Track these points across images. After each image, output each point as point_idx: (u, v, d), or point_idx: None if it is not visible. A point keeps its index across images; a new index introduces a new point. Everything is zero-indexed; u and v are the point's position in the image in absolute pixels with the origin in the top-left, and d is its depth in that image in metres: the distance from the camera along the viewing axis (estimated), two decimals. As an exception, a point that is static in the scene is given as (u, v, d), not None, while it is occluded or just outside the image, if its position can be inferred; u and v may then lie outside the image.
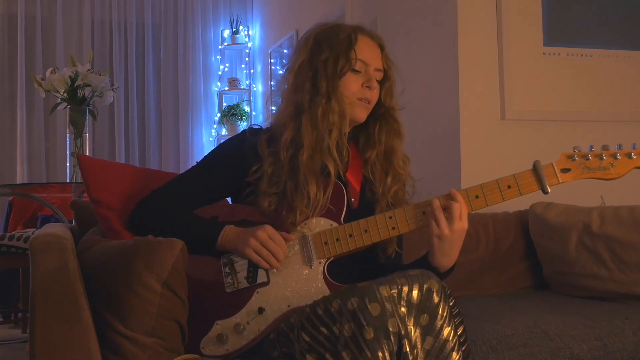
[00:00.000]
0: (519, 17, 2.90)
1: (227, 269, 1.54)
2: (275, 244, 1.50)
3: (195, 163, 1.69)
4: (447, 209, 1.51)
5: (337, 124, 1.58)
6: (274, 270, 1.52)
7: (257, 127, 1.68)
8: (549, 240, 2.25)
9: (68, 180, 3.48)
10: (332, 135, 1.58)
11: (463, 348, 1.32)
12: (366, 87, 1.62)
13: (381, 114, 1.68)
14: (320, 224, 1.55)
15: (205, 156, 1.70)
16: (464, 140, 2.86)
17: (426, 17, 3.17)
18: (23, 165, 5.43)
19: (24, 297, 3.74)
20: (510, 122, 2.89)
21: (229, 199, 1.72)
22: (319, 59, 1.60)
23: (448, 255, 1.54)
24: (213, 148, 1.71)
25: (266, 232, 1.51)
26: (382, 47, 1.67)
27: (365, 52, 1.63)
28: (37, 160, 5.51)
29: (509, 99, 2.87)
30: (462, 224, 1.50)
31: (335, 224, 1.55)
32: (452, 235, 1.50)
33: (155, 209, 1.60)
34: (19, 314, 4.01)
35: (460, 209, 1.50)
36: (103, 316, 1.38)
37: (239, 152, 1.63)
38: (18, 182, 5.18)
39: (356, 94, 1.61)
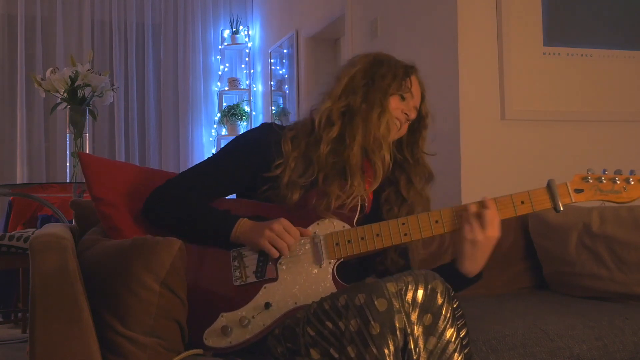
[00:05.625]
0: (519, 17, 2.90)
1: (236, 263, 1.54)
2: (290, 236, 1.51)
3: (211, 154, 1.69)
4: (479, 216, 1.54)
5: (387, 136, 1.64)
6: (283, 267, 1.53)
7: (279, 123, 1.70)
8: (549, 240, 2.25)
9: (68, 180, 3.47)
10: (384, 143, 1.63)
11: (465, 351, 1.33)
12: (404, 114, 1.68)
13: (416, 159, 1.76)
14: (332, 225, 1.57)
15: (224, 146, 1.69)
16: (464, 140, 2.86)
17: (426, 17, 3.17)
18: (23, 165, 5.44)
19: (24, 297, 3.73)
20: (510, 122, 2.89)
21: (232, 196, 1.72)
22: (377, 71, 1.66)
23: (477, 261, 1.58)
24: (232, 138, 1.70)
25: (282, 225, 1.52)
26: (423, 97, 1.75)
27: (415, 87, 1.71)
28: (37, 160, 5.52)
29: (509, 99, 2.87)
30: (493, 232, 1.55)
31: (347, 226, 1.57)
32: (484, 242, 1.55)
33: (171, 198, 1.60)
34: (19, 314, 4.00)
35: (493, 216, 1.54)
36: (102, 316, 1.38)
37: (263, 145, 1.62)
38: (18, 182, 5.18)
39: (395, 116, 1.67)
